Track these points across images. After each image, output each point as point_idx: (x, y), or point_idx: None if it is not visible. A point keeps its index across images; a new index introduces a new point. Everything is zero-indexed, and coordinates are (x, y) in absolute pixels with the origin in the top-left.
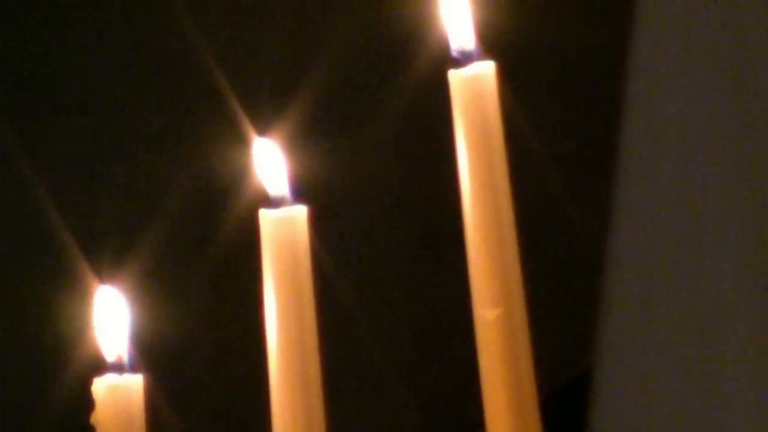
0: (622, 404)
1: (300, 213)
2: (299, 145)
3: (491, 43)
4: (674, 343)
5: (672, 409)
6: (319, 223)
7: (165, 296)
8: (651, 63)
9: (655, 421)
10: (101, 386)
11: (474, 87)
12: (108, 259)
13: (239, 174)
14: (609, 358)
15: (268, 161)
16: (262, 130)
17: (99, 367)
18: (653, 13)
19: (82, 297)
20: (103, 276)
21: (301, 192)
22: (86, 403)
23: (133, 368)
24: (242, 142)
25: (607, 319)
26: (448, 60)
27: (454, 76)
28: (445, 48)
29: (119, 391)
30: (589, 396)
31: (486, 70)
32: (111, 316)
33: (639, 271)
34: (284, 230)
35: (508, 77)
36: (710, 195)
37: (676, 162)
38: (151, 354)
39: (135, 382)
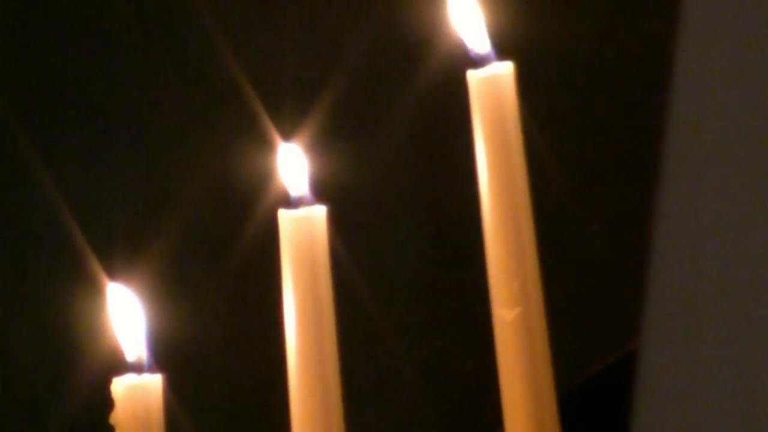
0: (667, 392)
1: (319, 213)
2: (319, 146)
3: (510, 44)
4: (722, 335)
5: (719, 400)
6: (338, 224)
7: (183, 296)
8: (698, 59)
9: (702, 411)
10: (120, 386)
11: (492, 87)
12: (126, 259)
13: (259, 174)
14: (653, 352)
15: (289, 161)
16: (282, 131)
17: (118, 367)
18: (699, 14)
19: (101, 297)
20: (117, 275)
21: (321, 192)
22: (105, 403)
23: (152, 368)
24: (262, 142)
25: (652, 309)
26: (467, 61)
27: (473, 76)
28: (463, 49)
29: (138, 391)
30: (632, 385)
31: (504, 70)
32: (127, 316)
33: (685, 263)
34: (303, 230)
35: (526, 78)
36: (760, 185)
37: (724, 153)
38: (169, 354)
39: (154, 383)
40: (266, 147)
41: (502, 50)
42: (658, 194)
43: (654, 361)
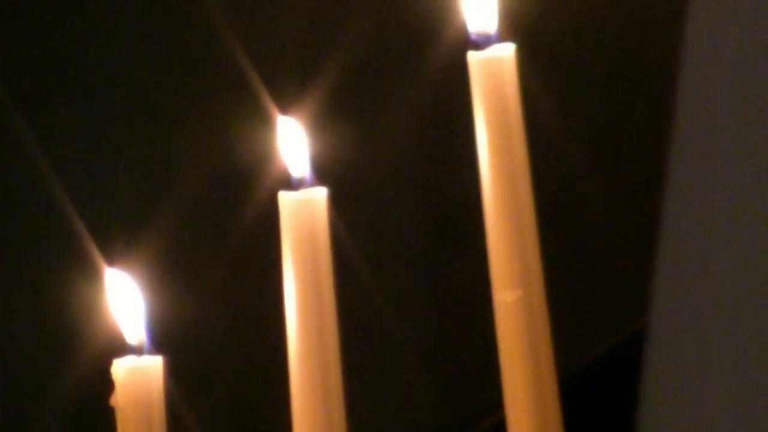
0: (675, 372)
1: (319, 195)
2: (319, 127)
3: (510, 26)
4: (730, 318)
5: (728, 383)
6: (338, 205)
7: (184, 279)
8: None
9: (709, 394)
10: (121, 368)
11: (493, 69)
12: (126, 242)
13: (260, 156)
14: (662, 332)
15: (291, 140)
16: (284, 110)
17: (118, 349)
18: (706, 10)
19: (101, 281)
20: (116, 259)
21: (321, 174)
22: (106, 385)
23: (152, 351)
24: (262, 124)
25: (662, 289)
26: (468, 42)
27: (474, 58)
28: (464, 30)
29: (139, 374)
30: (640, 363)
31: (505, 52)
32: (127, 299)
33: (694, 243)
34: (303, 212)
35: (526, 59)
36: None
37: (732, 137)
38: (169, 337)
39: (154, 365)
40: (267, 129)
41: (506, 30)
42: (666, 179)
43: (660, 351)
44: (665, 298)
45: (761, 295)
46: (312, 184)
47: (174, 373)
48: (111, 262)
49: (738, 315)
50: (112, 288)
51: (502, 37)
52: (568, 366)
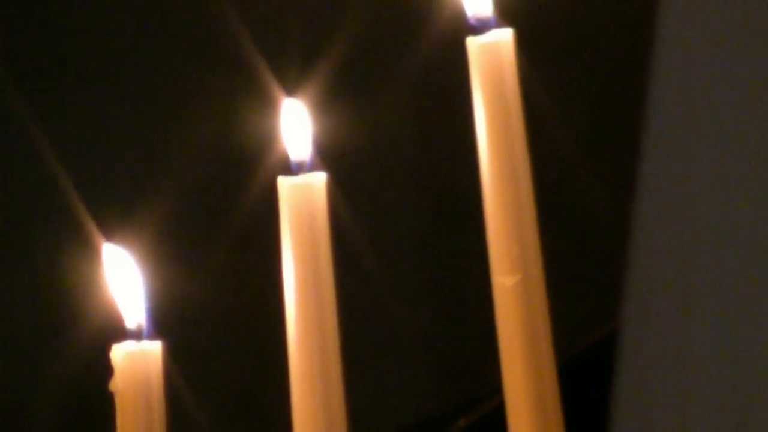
0: (648, 367)
1: (318, 180)
2: (321, 111)
3: (509, 10)
4: (704, 312)
5: (702, 378)
6: (337, 190)
7: (183, 263)
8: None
9: (684, 387)
10: (120, 353)
11: (492, 54)
12: (124, 224)
13: (261, 138)
14: (634, 326)
15: (292, 120)
16: (289, 92)
17: (117, 333)
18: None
19: (100, 261)
20: (115, 239)
21: (321, 158)
22: (105, 369)
23: (151, 335)
24: (264, 106)
25: (634, 286)
26: (467, 27)
27: (473, 43)
28: (463, 15)
29: (138, 358)
30: (613, 361)
31: (504, 37)
32: (126, 281)
33: (667, 240)
34: (303, 196)
35: (525, 44)
36: (743, 167)
37: (706, 131)
38: (168, 321)
39: (154, 349)
40: (268, 111)
41: (505, 15)
42: (639, 177)
43: (635, 343)
44: (637, 297)
45: (736, 289)
46: (312, 169)
47: (173, 357)
48: (109, 239)
49: (712, 312)
50: (111, 266)
51: (500, 22)
52: (567, 350)
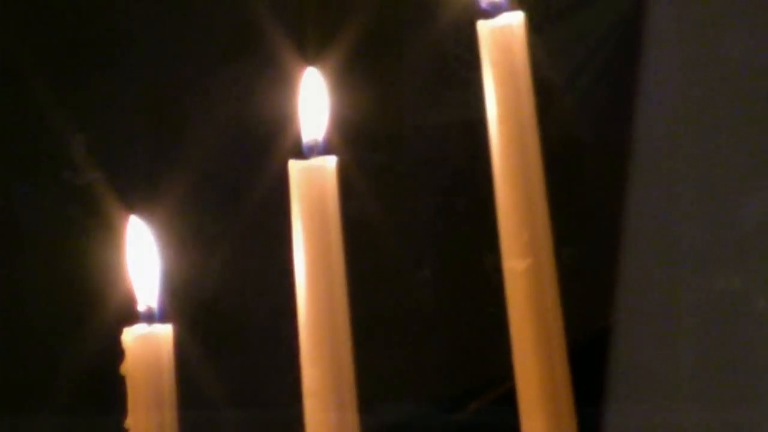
0: (641, 356)
1: (329, 163)
2: (335, 88)
3: None
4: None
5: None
6: (348, 173)
7: (195, 245)
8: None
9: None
10: (131, 336)
11: (503, 38)
12: (140, 202)
13: (276, 120)
14: (629, 319)
15: (312, 92)
16: (308, 62)
17: (129, 316)
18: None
19: (117, 244)
20: (134, 211)
21: (333, 140)
22: (116, 352)
23: (163, 318)
24: (280, 86)
25: (628, 281)
26: (478, 11)
27: (483, 27)
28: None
29: (149, 341)
30: (609, 351)
31: (515, 20)
32: (143, 254)
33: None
34: (314, 180)
35: (536, 28)
36: (730, 163)
37: (694, 129)
38: (179, 304)
39: (165, 333)
40: (283, 92)
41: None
42: (630, 173)
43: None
44: (630, 294)
45: (722, 286)
46: (325, 151)
47: (184, 339)
48: (131, 213)
49: (699, 307)
50: (131, 241)
51: (511, 6)
52: (577, 334)
